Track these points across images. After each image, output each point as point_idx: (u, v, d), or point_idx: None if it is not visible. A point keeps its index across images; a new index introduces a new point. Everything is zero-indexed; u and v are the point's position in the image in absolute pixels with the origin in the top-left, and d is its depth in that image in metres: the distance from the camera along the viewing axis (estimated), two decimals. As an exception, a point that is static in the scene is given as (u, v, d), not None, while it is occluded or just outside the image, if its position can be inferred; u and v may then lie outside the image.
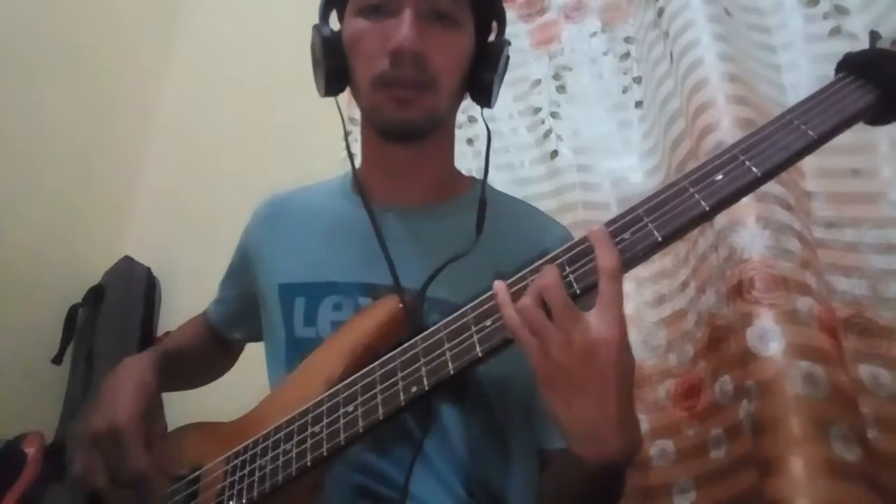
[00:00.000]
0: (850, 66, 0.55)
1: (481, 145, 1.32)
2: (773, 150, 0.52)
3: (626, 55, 1.26)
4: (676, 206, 0.53)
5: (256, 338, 0.97)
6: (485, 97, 0.77)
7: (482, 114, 0.82)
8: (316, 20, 0.78)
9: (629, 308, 1.06)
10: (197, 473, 0.71)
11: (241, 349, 1.03)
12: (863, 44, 0.96)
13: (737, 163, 0.52)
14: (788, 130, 0.53)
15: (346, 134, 0.82)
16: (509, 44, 0.77)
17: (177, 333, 0.99)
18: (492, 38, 0.79)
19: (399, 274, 0.73)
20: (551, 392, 0.52)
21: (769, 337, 0.78)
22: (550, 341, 0.51)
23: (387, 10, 0.70)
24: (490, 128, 0.84)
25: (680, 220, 0.52)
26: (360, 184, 0.76)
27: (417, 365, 0.59)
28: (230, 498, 0.65)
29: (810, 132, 0.52)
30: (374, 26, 0.70)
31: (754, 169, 0.51)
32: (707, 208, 0.51)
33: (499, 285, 0.55)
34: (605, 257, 0.51)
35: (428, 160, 0.80)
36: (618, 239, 0.53)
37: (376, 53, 0.69)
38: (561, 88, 1.29)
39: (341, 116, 0.82)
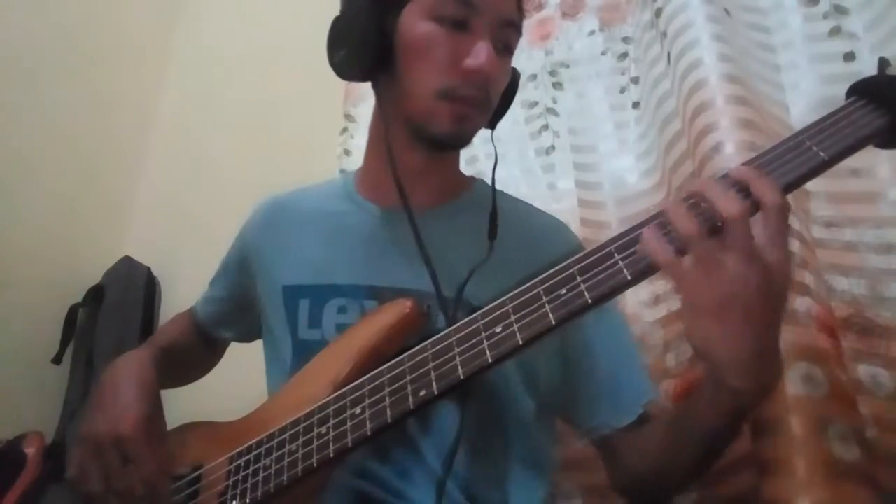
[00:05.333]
0: (862, 90, 0.56)
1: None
2: (784, 170, 0.53)
3: (624, 55, 1.25)
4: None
5: (244, 338, 0.97)
6: (494, 120, 0.80)
7: (492, 137, 0.83)
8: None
9: (628, 308, 1.06)
10: (198, 473, 0.71)
11: (225, 348, 1.03)
12: (862, 43, 0.98)
13: None
14: (800, 151, 0.54)
15: (390, 144, 0.78)
16: (519, 75, 0.80)
17: (166, 330, 0.98)
18: None
19: (409, 275, 0.74)
20: (715, 324, 0.50)
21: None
22: (726, 273, 0.49)
23: (462, 25, 0.70)
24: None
25: None
26: (399, 189, 0.72)
27: (427, 369, 0.59)
28: (233, 498, 0.65)
29: (822, 154, 0.53)
30: (449, 37, 0.70)
31: None
32: (718, 224, 0.51)
33: (648, 233, 0.52)
34: (770, 192, 0.50)
35: (443, 166, 0.81)
36: (630, 251, 0.53)
37: (448, 66, 0.69)
38: (557, 85, 1.29)
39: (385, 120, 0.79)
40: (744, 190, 0.51)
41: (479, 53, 0.68)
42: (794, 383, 0.72)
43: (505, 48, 0.73)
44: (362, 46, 0.71)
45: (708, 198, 0.51)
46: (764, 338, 0.51)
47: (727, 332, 0.50)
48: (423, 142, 0.74)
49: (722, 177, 0.53)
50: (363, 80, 0.76)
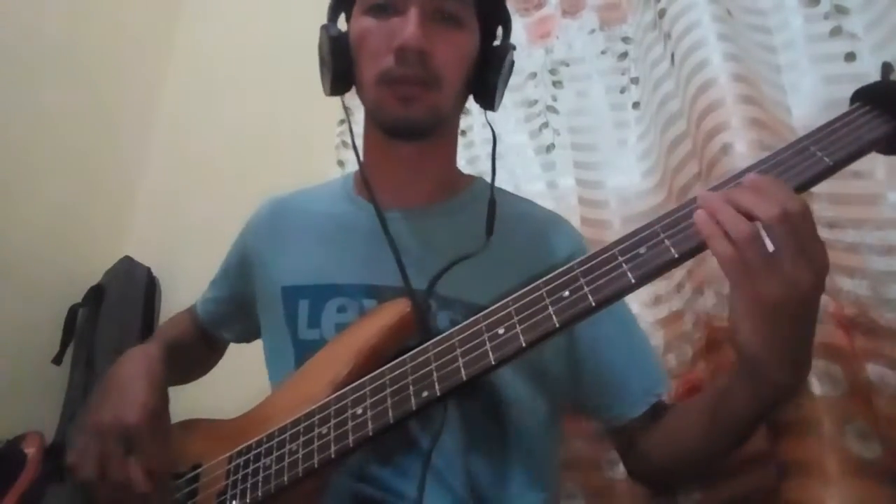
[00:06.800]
0: (866, 96, 0.57)
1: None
2: (788, 175, 0.53)
3: (624, 55, 1.25)
4: (691, 223, 0.53)
5: (243, 339, 0.98)
6: (488, 100, 0.78)
7: (486, 117, 0.82)
8: (315, 21, 0.78)
9: (634, 307, 1.06)
10: (197, 471, 0.70)
11: (225, 347, 1.03)
12: (863, 43, 0.98)
13: None
14: (805, 156, 0.54)
15: (354, 142, 0.81)
16: (514, 48, 0.78)
17: (169, 327, 0.98)
18: (496, 42, 0.80)
19: (410, 275, 0.73)
20: (766, 325, 0.52)
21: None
22: (781, 276, 0.49)
23: (393, 9, 0.70)
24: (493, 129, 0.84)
25: (698, 238, 0.53)
26: (366, 182, 0.76)
27: (429, 370, 0.59)
28: (233, 497, 0.65)
29: (826, 159, 0.53)
30: (381, 24, 0.71)
31: None
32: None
33: (701, 216, 0.52)
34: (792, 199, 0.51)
35: (431, 159, 0.81)
36: (633, 253, 0.54)
37: (382, 51, 0.70)
38: (557, 83, 1.29)
39: (348, 119, 0.83)
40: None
41: (401, 29, 0.68)
42: (813, 382, 0.72)
43: (447, 18, 0.71)
44: (326, 63, 0.75)
45: (744, 203, 0.51)
46: (807, 335, 0.54)
47: (776, 332, 0.52)
48: (389, 133, 0.75)
49: (735, 184, 0.54)
50: (340, 92, 0.78)
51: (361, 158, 0.84)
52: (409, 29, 0.68)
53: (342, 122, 1.50)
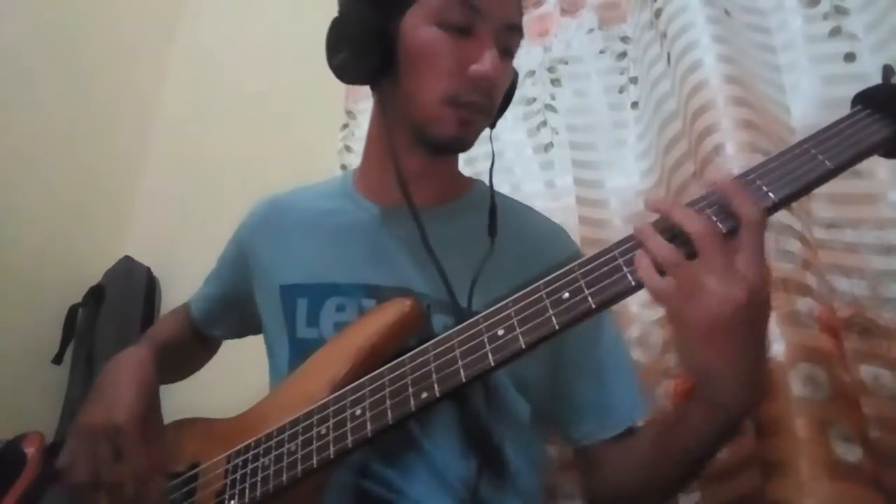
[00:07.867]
0: (867, 100, 0.57)
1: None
2: (789, 178, 0.53)
3: (623, 55, 1.25)
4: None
5: (235, 335, 0.98)
6: (493, 121, 0.80)
7: (490, 136, 0.82)
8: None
9: (628, 308, 1.06)
10: (195, 471, 0.71)
11: (218, 345, 1.03)
12: (862, 43, 0.98)
13: (754, 187, 0.54)
14: (806, 159, 0.54)
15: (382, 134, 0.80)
16: (518, 75, 0.80)
17: (162, 326, 0.98)
18: None
19: (408, 275, 0.74)
20: (706, 346, 0.51)
21: (770, 339, 0.77)
22: (710, 296, 0.49)
23: (467, 31, 0.70)
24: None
25: None
26: (402, 188, 0.72)
27: (428, 370, 0.59)
28: (231, 497, 0.65)
29: (827, 162, 0.53)
30: (454, 43, 0.69)
31: (771, 195, 0.53)
32: (724, 231, 0.52)
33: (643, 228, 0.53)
34: (748, 206, 0.51)
35: (442, 165, 0.81)
36: (633, 255, 0.54)
37: (454, 72, 0.69)
38: (556, 81, 1.29)
39: (383, 109, 0.80)
40: (724, 206, 0.52)
41: (486, 60, 0.69)
42: (795, 385, 0.72)
43: (507, 51, 0.73)
44: (365, 51, 0.71)
45: (673, 220, 0.52)
46: (752, 353, 0.53)
47: (719, 353, 0.51)
48: (425, 145, 0.74)
49: (709, 192, 0.54)
50: (365, 83, 0.76)
51: (365, 158, 0.85)
52: (493, 62, 0.68)
53: (345, 126, 1.51)
